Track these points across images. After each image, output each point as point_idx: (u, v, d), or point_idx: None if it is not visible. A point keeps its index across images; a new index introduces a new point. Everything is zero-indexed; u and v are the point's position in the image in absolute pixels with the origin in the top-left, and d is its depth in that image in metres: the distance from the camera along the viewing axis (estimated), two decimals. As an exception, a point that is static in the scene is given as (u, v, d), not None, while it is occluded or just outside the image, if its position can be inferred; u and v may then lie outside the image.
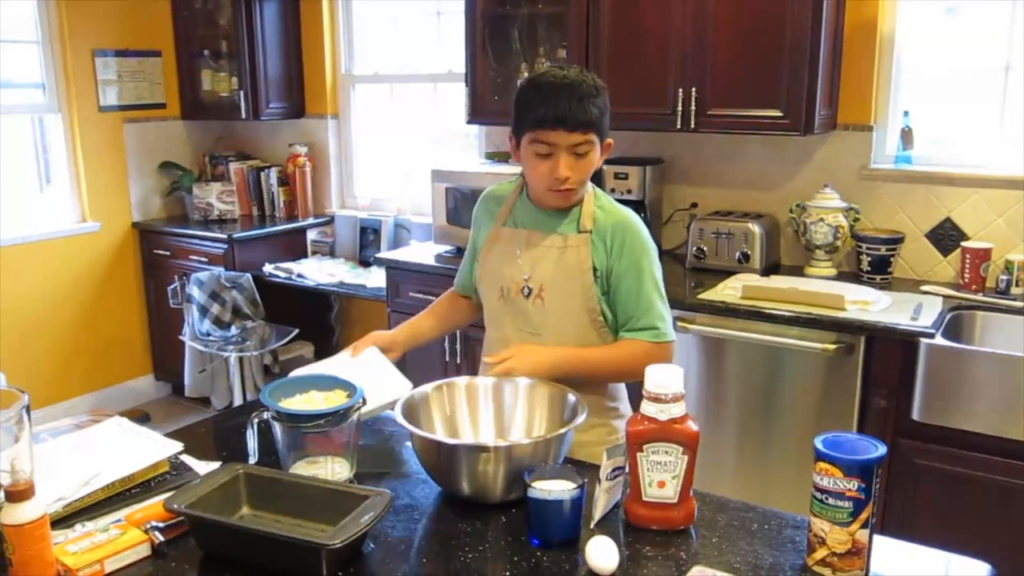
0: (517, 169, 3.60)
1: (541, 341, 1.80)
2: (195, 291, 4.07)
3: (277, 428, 1.48)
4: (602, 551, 1.24)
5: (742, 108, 3.03)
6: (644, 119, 3.24)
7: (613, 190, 3.35)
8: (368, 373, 1.75)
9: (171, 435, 1.65)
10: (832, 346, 2.67)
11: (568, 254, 1.78)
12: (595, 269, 1.77)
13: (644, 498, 1.36)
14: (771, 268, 3.28)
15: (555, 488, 1.31)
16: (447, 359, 3.48)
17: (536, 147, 1.71)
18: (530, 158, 1.74)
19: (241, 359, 4.16)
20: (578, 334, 1.79)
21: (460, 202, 3.62)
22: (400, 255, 3.77)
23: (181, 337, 4.20)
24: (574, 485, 1.31)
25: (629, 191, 3.34)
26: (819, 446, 1.22)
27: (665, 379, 1.33)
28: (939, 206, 3.08)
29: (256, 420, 1.50)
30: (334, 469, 1.50)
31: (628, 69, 3.20)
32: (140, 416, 4.32)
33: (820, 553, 1.23)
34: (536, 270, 1.80)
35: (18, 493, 1.15)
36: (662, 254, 1.96)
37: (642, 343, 1.75)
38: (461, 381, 1.68)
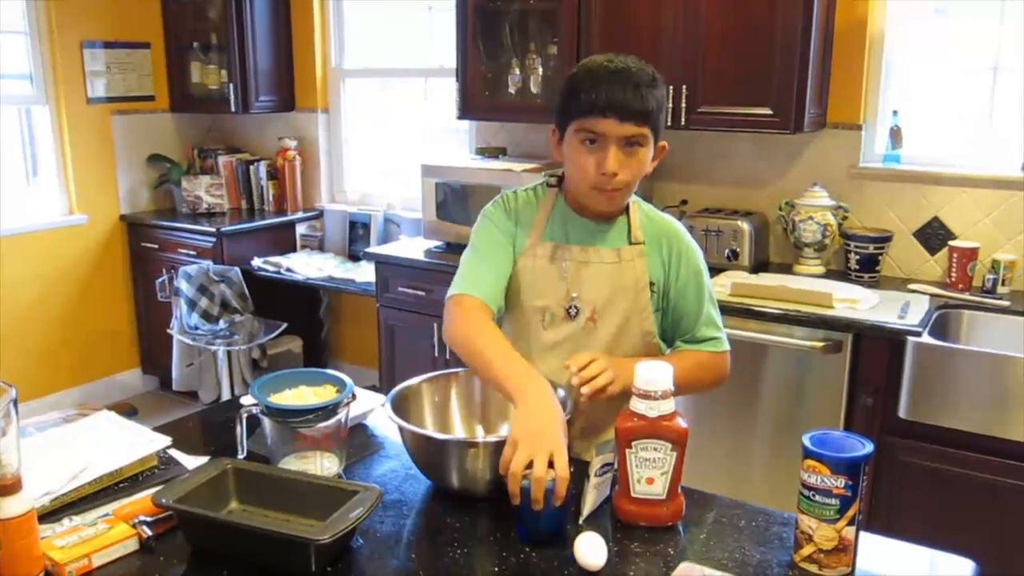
0: (509, 164, 3.61)
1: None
2: (183, 284, 4.05)
3: (266, 423, 1.47)
4: (590, 547, 1.25)
5: (732, 106, 3.04)
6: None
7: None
8: None
9: (159, 429, 1.64)
10: (820, 344, 2.68)
11: (624, 269, 1.64)
12: (652, 284, 1.65)
13: (633, 494, 1.36)
14: (760, 266, 3.29)
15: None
16: (436, 354, 3.48)
17: (581, 136, 1.55)
18: (575, 149, 1.57)
19: (229, 353, 4.14)
20: (629, 357, 1.62)
21: (450, 197, 3.62)
22: (390, 250, 3.76)
23: (169, 331, 4.19)
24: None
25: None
26: (807, 443, 1.22)
27: (654, 376, 1.33)
28: (927, 205, 3.10)
29: (245, 415, 1.49)
30: (323, 464, 1.50)
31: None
32: (127, 410, 4.30)
33: (807, 550, 1.23)
34: (586, 289, 1.65)
35: (5, 487, 1.15)
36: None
37: (704, 353, 1.68)
38: (451, 374, 1.68)
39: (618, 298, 1.65)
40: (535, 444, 1.29)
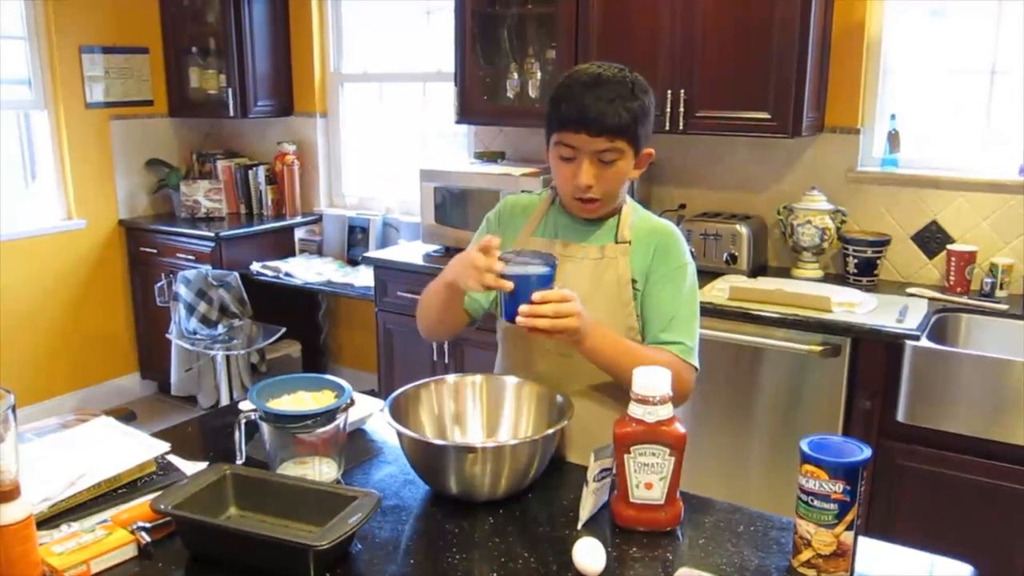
0: (507, 168, 3.62)
1: (572, 363, 1.65)
2: (182, 289, 4.05)
3: (265, 428, 1.47)
4: (589, 552, 1.25)
5: (730, 110, 3.04)
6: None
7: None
8: None
9: (158, 434, 1.65)
10: (818, 347, 2.68)
11: (605, 266, 1.66)
12: (634, 281, 1.65)
13: (631, 499, 1.36)
14: (758, 269, 3.29)
15: (529, 269, 1.43)
16: (435, 358, 3.48)
17: (560, 150, 1.60)
18: (555, 161, 1.63)
19: (228, 358, 4.14)
20: None
21: (449, 201, 3.62)
22: (388, 254, 3.77)
23: (168, 335, 4.18)
24: (546, 265, 1.44)
25: (617, 192, 3.35)
26: (805, 448, 1.22)
27: (652, 381, 1.33)
28: (925, 209, 3.10)
29: (244, 420, 1.49)
30: (322, 469, 1.50)
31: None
32: (126, 414, 4.29)
33: (805, 555, 1.23)
34: (569, 283, 1.62)
35: (3, 493, 1.15)
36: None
37: (672, 355, 1.60)
38: (449, 379, 1.68)
39: (599, 293, 1.66)
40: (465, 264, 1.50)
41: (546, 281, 1.45)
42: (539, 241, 1.73)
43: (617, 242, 1.68)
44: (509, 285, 1.44)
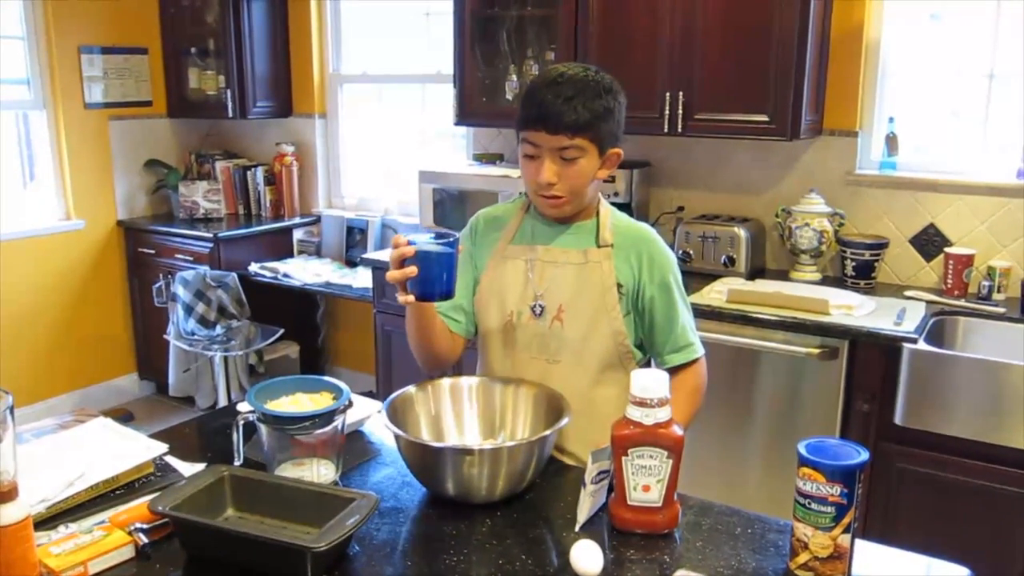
0: (506, 170, 3.62)
1: (560, 367, 1.68)
2: (180, 290, 4.05)
3: (263, 429, 1.47)
4: (587, 555, 1.25)
5: (729, 113, 3.04)
6: (632, 122, 3.16)
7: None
8: None
9: (156, 435, 1.65)
10: (816, 350, 2.69)
11: (590, 270, 1.66)
12: (620, 286, 1.66)
13: (629, 502, 1.36)
14: (756, 272, 3.29)
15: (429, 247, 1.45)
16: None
17: (524, 147, 1.62)
18: (521, 159, 1.65)
19: (226, 359, 4.14)
20: (601, 360, 1.68)
21: (447, 203, 3.62)
22: (386, 256, 3.74)
23: (166, 336, 4.18)
24: (447, 245, 1.46)
25: (616, 194, 3.35)
26: (802, 451, 1.23)
27: (650, 383, 1.33)
28: (923, 212, 3.11)
29: (242, 421, 1.49)
30: (320, 471, 1.50)
31: (616, 72, 3.13)
32: (124, 415, 4.30)
33: (803, 557, 1.24)
34: (552, 288, 1.67)
35: (1, 494, 1.15)
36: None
37: (687, 371, 1.69)
38: (445, 381, 1.68)
39: (584, 298, 1.67)
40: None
41: (448, 259, 1.47)
42: (517, 248, 1.73)
43: (599, 246, 1.68)
44: (413, 271, 1.45)
